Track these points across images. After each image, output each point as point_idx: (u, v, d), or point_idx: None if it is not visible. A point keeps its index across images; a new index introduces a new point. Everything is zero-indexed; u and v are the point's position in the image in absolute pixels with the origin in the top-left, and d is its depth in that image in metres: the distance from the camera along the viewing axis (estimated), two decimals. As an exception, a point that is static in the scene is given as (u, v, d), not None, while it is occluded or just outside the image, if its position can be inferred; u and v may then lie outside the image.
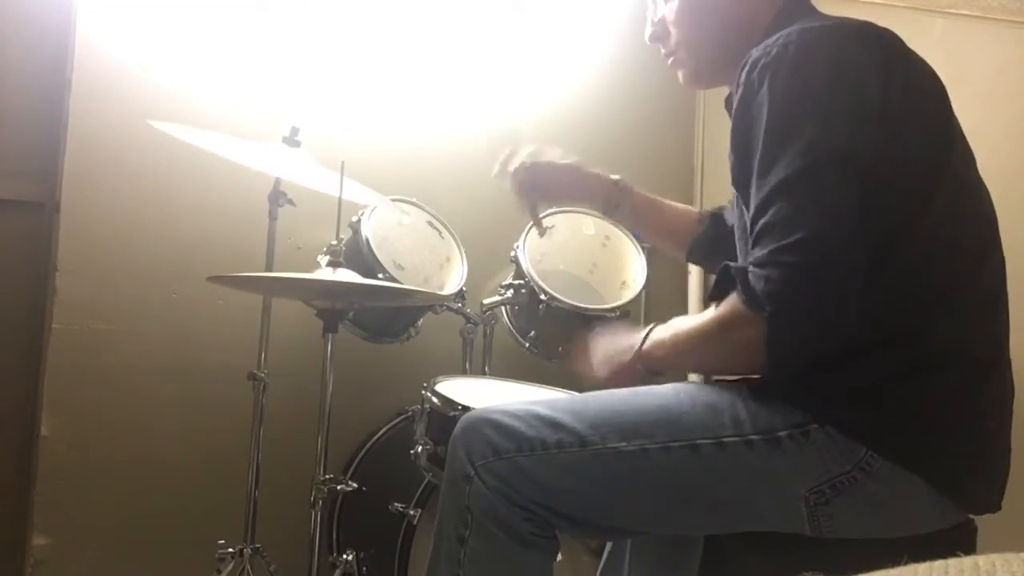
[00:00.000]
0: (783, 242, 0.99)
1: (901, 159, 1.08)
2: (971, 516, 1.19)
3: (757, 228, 1.03)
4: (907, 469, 1.06)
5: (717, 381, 1.25)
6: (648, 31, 1.36)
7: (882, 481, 1.06)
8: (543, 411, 1.17)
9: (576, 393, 1.64)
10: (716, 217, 1.51)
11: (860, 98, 1.05)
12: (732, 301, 1.04)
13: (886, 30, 1.13)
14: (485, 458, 1.15)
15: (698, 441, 1.09)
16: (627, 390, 1.23)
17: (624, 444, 1.11)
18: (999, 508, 1.15)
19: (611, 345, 1.24)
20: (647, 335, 1.18)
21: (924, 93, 1.13)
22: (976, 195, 1.17)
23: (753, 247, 1.03)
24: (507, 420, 1.16)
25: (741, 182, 1.11)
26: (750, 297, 1.01)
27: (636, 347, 1.18)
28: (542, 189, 1.50)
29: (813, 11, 1.25)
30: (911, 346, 1.07)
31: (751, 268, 1.02)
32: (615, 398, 1.19)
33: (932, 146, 1.11)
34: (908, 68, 1.12)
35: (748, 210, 1.08)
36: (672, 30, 1.32)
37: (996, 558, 0.40)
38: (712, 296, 1.09)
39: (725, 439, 1.08)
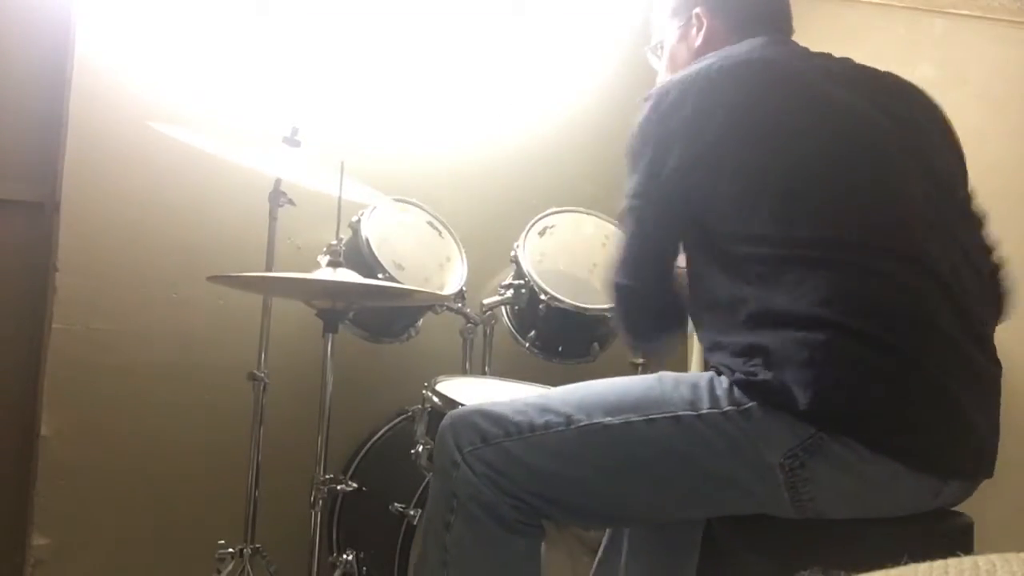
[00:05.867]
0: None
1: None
2: (968, 514, 1.21)
3: None
4: (847, 436, 1.10)
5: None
6: (659, 81, 1.52)
7: (842, 443, 1.10)
8: (531, 399, 1.24)
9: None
10: None
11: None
12: None
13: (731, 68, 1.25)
14: (473, 444, 1.19)
15: (679, 413, 1.15)
16: (613, 378, 1.29)
17: (609, 419, 1.17)
18: (973, 474, 1.18)
19: None
20: None
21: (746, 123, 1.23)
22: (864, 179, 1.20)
23: None
24: (495, 408, 1.22)
25: None
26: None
27: None
28: None
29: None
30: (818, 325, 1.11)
31: None
32: (601, 383, 1.26)
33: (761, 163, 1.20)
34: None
35: None
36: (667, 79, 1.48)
37: (996, 558, 0.40)
38: None
39: (704, 412, 1.15)
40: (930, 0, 2.51)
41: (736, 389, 1.14)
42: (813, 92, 1.24)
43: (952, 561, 0.41)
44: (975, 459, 1.17)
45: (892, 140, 1.23)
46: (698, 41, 1.42)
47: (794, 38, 1.41)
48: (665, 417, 1.15)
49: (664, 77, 1.49)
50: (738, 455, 1.13)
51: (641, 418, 1.16)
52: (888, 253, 1.16)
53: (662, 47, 1.51)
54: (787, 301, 1.13)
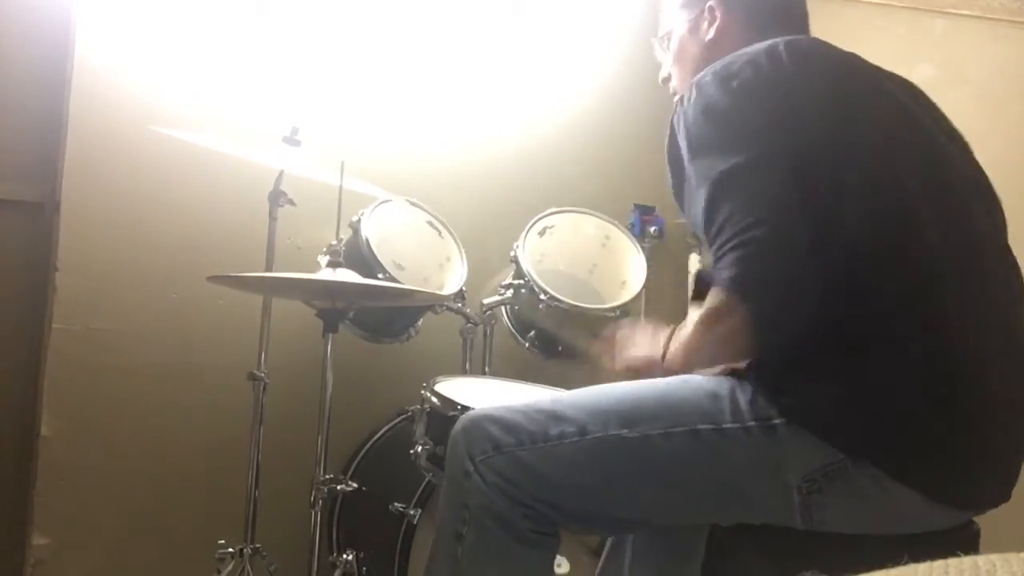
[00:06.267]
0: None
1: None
2: (972, 518, 1.19)
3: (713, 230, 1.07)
4: (873, 465, 1.07)
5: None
6: (661, 74, 1.47)
7: (864, 471, 1.07)
8: (544, 405, 1.19)
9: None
10: None
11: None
12: (711, 298, 1.07)
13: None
14: (485, 453, 1.16)
15: (699, 426, 1.11)
16: (628, 382, 1.24)
17: (626, 431, 1.12)
18: (991, 504, 1.15)
19: (636, 355, 1.23)
20: (664, 353, 1.18)
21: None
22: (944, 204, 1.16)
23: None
24: (508, 415, 1.18)
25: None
26: (724, 288, 1.03)
27: (658, 362, 1.19)
28: None
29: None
30: (883, 352, 1.07)
31: (717, 263, 1.04)
32: (616, 389, 1.20)
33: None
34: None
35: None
36: (673, 72, 1.42)
37: (996, 558, 0.40)
38: (693, 298, 1.14)
39: (725, 426, 1.10)
40: (930, 0, 2.52)
41: (761, 400, 1.09)
42: (881, 88, 1.21)
43: (952, 561, 0.41)
44: (998, 490, 1.15)
45: (949, 146, 1.21)
46: (710, 35, 1.34)
47: None
48: (683, 431, 1.11)
49: (669, 70, 1.42)
50: (757, 472, 1.10)
51: (658, 432, 1.11)
52: (948, 273, 1.11)
53: (669, 38, 1.42)
54: (831, 319, 1.06)
